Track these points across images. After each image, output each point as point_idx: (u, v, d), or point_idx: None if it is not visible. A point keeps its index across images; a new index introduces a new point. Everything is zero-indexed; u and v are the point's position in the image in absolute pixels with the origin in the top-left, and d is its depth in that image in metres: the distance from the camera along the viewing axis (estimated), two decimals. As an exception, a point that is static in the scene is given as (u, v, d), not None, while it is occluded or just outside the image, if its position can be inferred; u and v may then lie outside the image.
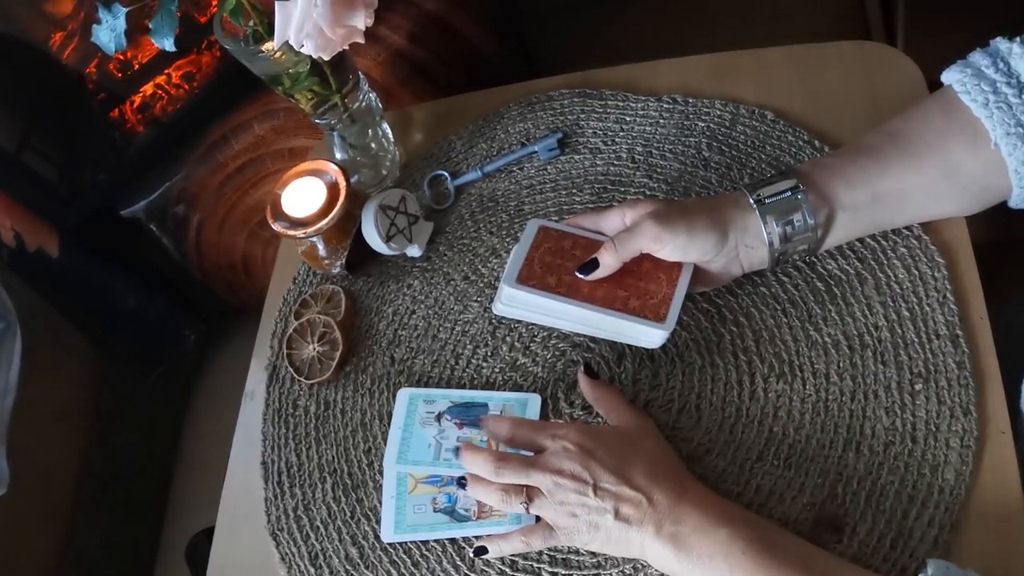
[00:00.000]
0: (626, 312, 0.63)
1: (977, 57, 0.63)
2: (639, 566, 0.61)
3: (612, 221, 0.66)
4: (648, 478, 0.57)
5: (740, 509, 0.57)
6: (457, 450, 0.65)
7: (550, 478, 0.58)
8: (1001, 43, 0.62)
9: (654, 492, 0.56)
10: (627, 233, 0.64)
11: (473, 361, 0.74)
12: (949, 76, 0.63)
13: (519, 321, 0.73)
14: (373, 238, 0.78)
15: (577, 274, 0.65)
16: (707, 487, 0.59)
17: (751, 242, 0.64)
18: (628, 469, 0.57)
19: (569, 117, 0.84)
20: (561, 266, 0.65)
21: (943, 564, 0.51)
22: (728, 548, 0.52)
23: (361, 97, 0.81)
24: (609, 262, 0.64)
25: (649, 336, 0.64)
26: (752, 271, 0.68)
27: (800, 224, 0.63)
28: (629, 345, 0.69)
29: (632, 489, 0.56)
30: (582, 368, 0.68)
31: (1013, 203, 0.63)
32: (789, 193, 0.63)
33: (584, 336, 0.71)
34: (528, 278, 0.64)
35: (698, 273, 0.65)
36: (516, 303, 0.65)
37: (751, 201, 0.63)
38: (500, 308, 0.66)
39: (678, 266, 0.65)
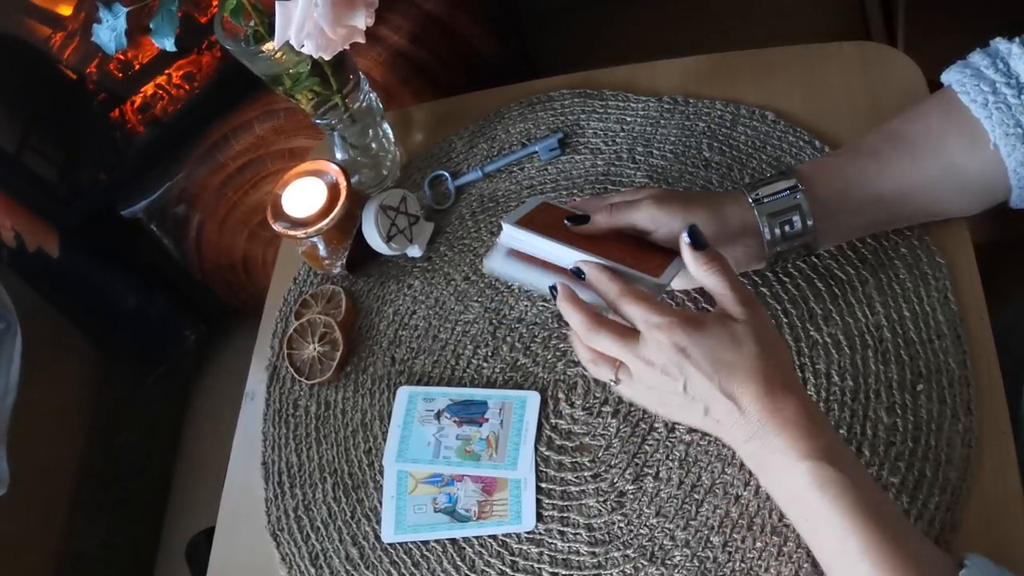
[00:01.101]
0: (623, 264, 0.60)
1: (976, 57, 0.63)
2: (639, 566, 0.61)
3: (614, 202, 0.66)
4: (743, 386, 0.53)
5: (831, 437, 0.53)
6: (554, 288, 0.60)
7: (641, 364, 0.56)
8: (1000, 43, 0.62)
9: (747, 403, 0.53)
10: (626, 204, 0.63)
11: (474, 361, 0.74)
12: (949, 76, 0.63)
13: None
14: (374, 238, 0.78)
15: (566, 222, 0.63)
16: (807, 398, 0.54)
17: (748, 240, 0.64)
18: (723, 373, 0.53)
19: (570, 117, 0.84)
20: (558, 230, 0.63)
21: (982, 560, 0.50)
22: (805, 481, 0.51)
23: (362, 97, 0.81)
24: (600, 220, 0.63)
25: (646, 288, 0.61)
26: (750, 269, 0.68)
27: (798, 223, 0.63)
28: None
29: (724, 395, 0.53)
30: (686, 236, 0.58)
31: (1013, 203, 0.63)
32: (787, 192, 0.63)
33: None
34: (528, 223, 0.63)
35: None
36: (513, 242, 0.63)
37: (749, 200, 0.63)
38: (492, 261, 0.64)
39: (672, 255, 0.64)
